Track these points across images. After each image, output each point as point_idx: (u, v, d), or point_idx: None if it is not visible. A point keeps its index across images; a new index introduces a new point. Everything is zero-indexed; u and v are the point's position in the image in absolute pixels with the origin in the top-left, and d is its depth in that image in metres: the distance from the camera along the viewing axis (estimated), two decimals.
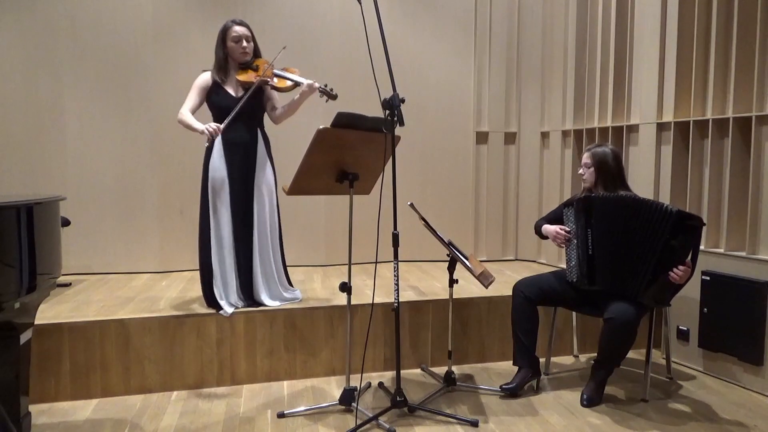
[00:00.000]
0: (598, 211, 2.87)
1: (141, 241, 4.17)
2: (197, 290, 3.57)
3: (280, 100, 3.29)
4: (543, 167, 4.65)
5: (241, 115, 3.05)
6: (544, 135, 4.63)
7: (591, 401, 2.82)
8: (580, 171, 3.04)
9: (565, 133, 4.40)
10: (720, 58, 3.26)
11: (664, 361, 3.29)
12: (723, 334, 3.11)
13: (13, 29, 3.92)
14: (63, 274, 2.60)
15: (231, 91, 3.15)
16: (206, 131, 2.94)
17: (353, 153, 2.62)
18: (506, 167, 4.76)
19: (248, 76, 3.12)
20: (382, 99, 2.65)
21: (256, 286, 3.19)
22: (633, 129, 3.80)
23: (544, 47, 4.58)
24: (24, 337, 2.34)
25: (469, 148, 4.67)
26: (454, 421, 2.63)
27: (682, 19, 3.41)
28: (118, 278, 4.00)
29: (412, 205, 2.78)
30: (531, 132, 4.69)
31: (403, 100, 2.57)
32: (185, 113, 3.08)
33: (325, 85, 3.07)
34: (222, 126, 2.98)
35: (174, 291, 3.57)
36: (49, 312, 3.03)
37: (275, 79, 3.14)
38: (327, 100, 3.09)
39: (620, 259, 2.80)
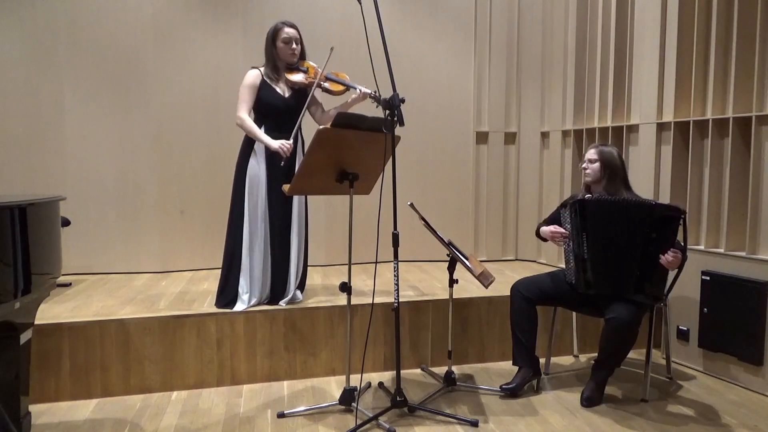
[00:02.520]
0: (591, 214, 2.86)
1: (141, 241, 4.17)
2: (197, 290, 3.58)
3: (323, 102, 3.40)
4: (543, 167, 4.65)
5: (286, 117, 3.14)
6: (544, 135, 4.63)
7: (591, 401, 2.82)
8: (583, 165, 2.99)
9: (565, 133, 4.40)
10: (720, 58, 3.26)
11: (664, 361, 3.29)
12: (723, 334, 3.11)
13: (14, 29, 3.92)
14: (63, 274, 2.59)
15: (279, 91, 3.21)
16: (282, 150, 3.04)
17: (353, 153, 2.62)
18: (506, 167, 4.76)
19: (299, 78, 3.21)
20: (381, 99, 2.66)
21: (288, 288, 3.23)
22: (633, 129, 3.80)
23: (544, 47, 4.57)
24: (24, 337, 2.34)
25: (469, 148, 4.66)
26: (454, 421, 2.63)
27: (682, 19, 3.41)
28: (118, 278, 3.99)
29: (412, 205, 2.78)
30: (531, 132, 4.69)
31: (403, 100, 2.57)
32: (247, 118, 3.14)
33: (375, 92, 3.07)
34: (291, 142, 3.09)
35: (174, 291, 3.57)
36: (49, 312, 3.03)
37: (328, 83, 3.24)
38: (377, 106, 3.08)
39: (613, 261, 2.80)
